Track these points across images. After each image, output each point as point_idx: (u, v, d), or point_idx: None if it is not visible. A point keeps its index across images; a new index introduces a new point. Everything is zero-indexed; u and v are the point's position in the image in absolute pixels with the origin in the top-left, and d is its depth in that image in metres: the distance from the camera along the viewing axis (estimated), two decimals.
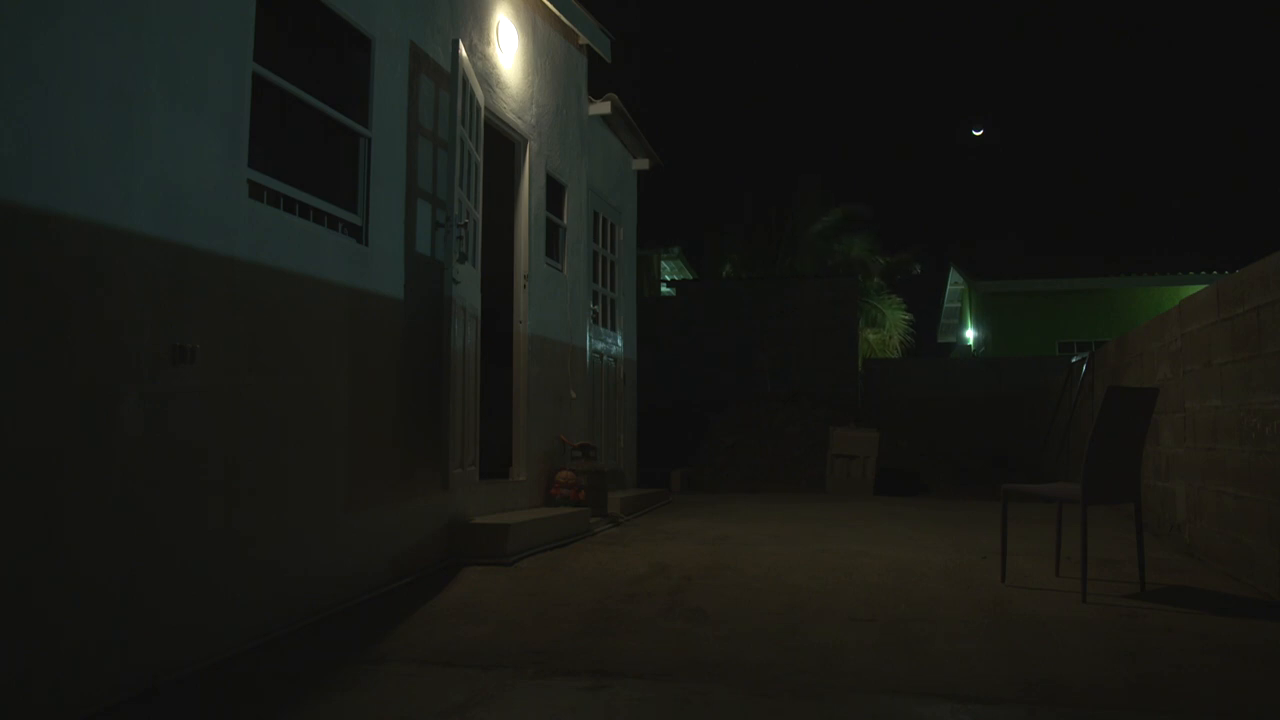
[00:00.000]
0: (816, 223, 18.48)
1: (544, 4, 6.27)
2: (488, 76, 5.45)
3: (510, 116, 5.84)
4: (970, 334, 20.56)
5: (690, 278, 18.41)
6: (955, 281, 21.21)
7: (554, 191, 6.78)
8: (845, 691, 2.76)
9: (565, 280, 6.85)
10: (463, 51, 4.69)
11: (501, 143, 6.04)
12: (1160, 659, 3.07)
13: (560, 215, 6.90)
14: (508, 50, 5.78)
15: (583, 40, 7.04)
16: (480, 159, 5.17)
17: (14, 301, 2.33)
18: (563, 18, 6.51)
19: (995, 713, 2.59)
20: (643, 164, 9.31)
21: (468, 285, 4.93)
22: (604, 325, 8.03)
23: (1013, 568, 4.48)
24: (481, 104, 5.19)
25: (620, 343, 8.43)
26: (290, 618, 3.43)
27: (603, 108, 7.71)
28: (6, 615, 2.29)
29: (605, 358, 7.99)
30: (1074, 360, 10.31)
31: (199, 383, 2.96)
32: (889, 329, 18.42)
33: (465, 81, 4.78)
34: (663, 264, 17.62)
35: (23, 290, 2.36)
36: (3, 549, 2.28)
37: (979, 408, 12.27)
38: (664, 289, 16.29)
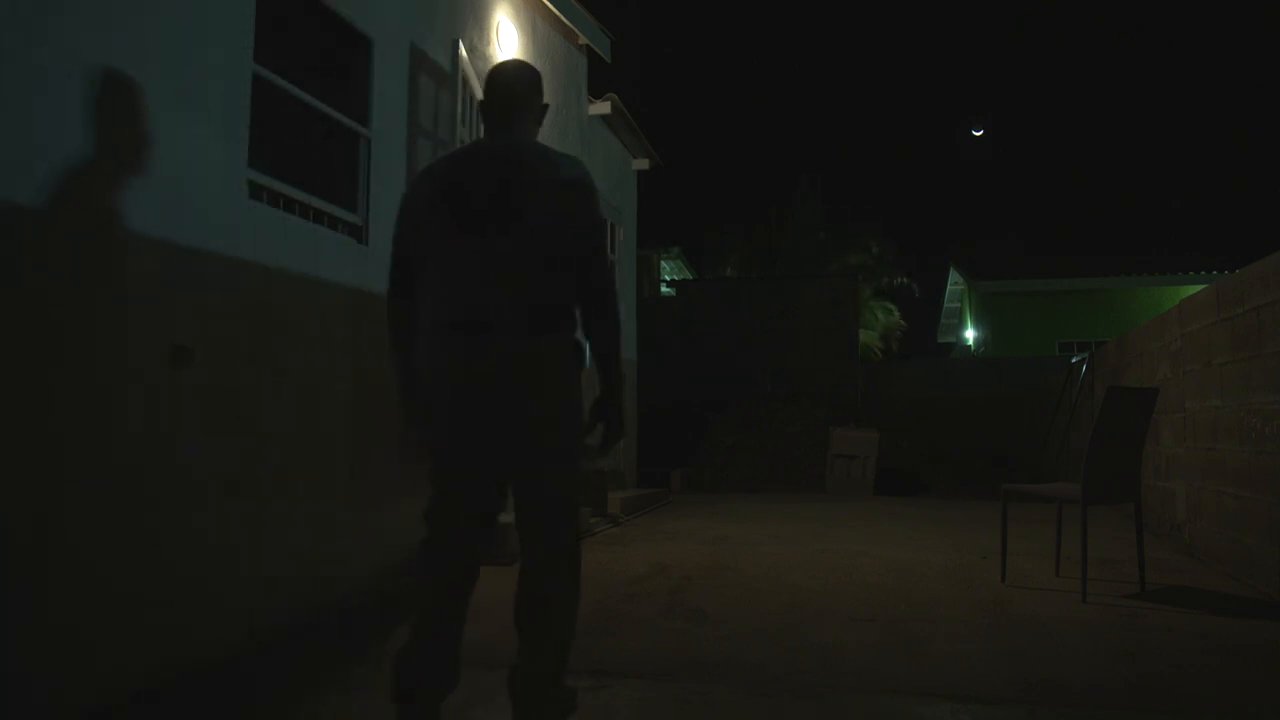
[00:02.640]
0: (815, 223, 18.49)
1: (544, 4, 6.27)
2: None
3: None
4: (970, 334, 20.56)
5: (690, 278, 18.41)
6: (955, 281, 21.21)
7: None
8: (845, 691, 2.76)
9: None
10: (463, 51, 4.69)
11: None
12: (1160, 659, 3.07)
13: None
14: (508, 50, 5.78)
15: (582, 40, 7.04)
16: None
17: (13, 301, 2.33)
18: (562, 18, 6.51)
19: (995, 713, 2.59)
20: (643, 164, 9.31)
21: None
22: None
23: (1013, 568, 4.48)
24: None
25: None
26: (289, 617, 3.42)
27: (603, 108, 7.71)
28: (6, 615, 2.29)
29: None
30: (1074, 360, 10.31)
31: (199, 383, 2.95)
32: (879, 330, 18.45)
33: (465, 81, 4.78)
34: (663, 264, 17.62)
35: (22, 290, 2.36)
36: (2, 548, 2.28)
37: (979, 408, 12.27)
38: (664, 289, 16.29)
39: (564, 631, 2.25)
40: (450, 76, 4.68)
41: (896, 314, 18.93)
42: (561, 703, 2.24)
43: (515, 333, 2.15)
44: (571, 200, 2.24)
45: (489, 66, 5.47)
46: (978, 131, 32.68)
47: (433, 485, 2.32)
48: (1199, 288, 5.62)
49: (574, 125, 7.01)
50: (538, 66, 6.24)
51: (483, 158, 2.32)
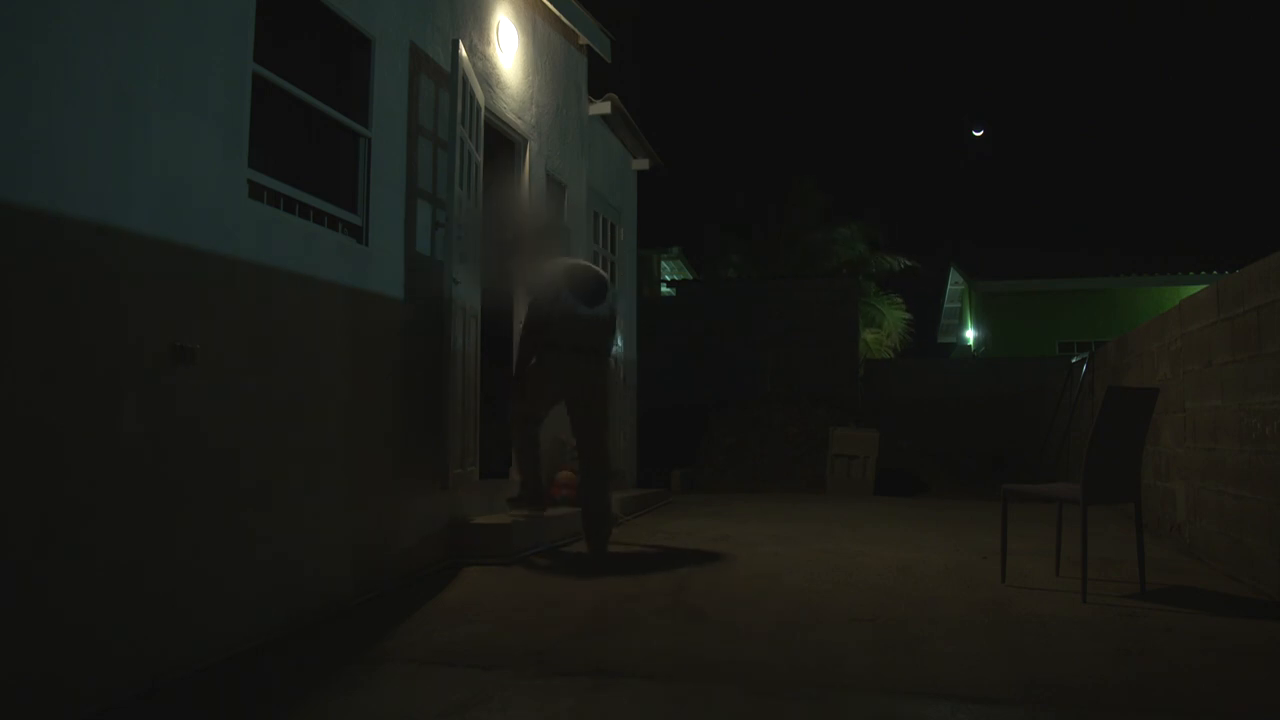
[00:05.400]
0: (815, 223, 18.46)
1: (544, 4, 6.27)
2: (488, 76, 5.45)
3: (510, 116, 5.84)
4: (970, 334, 20.53)
5: (690, 278, 18.40)
6: (955, 281, 21.19)
7: (554, 191, 6.78)
8: (845, 691, 2.76)
9: None
10: (463, 51, 4.69)
11: (501, 143, 6.04)
12: (1160, 659, 3.07)
13: (560, 215, 6.89)
14: (508, 50, 5.78)
15: (583, 40, 7.04)
16: (480, 159, 5.17)
17: (14, 301, 2.33)
18: (563, 18, 6.51)
19: (995, 713, 2.59)
20: (643, 164, 9.31)
21: (468, 285, 4.93)
22: None
23: (1013, 567, 4.48)
24: (481, 104, 5.19)
25: (620, 343, 8.42)
26: (290, 618, 3.43)
27: (603, 108, 7.71)
28: (6, 614, 2.29)
29: None
30: (1074, 360, 10.31)
31: (199, 382, 2.95)
32: (887, 328, 18.38)
33: (465, 82, 4.78)
34: (663, 264, 17.61)
35: (22, 290, 2.36)
36: (3, 548, 2.28)
37: (979, 408, 12.27)
38: (664, 289, 16.28)
39: (605, 480, 5.04)
40: (450, 76, 4.68)
41: (903, 307, 18.81)
42: (612, 521, 5.08)
43: (597, 354, 5.02)
44: (614, 297, 5.21)
45: (489, 66, 5.49)
46: (978, 131, 32.66)
47: (529, 407, 5.10)
48: (1199, 288, 5.62)
49: (574, 125, 7.01)
50: (538, 66, 6.30)
51: (588, 274, 5.11)
